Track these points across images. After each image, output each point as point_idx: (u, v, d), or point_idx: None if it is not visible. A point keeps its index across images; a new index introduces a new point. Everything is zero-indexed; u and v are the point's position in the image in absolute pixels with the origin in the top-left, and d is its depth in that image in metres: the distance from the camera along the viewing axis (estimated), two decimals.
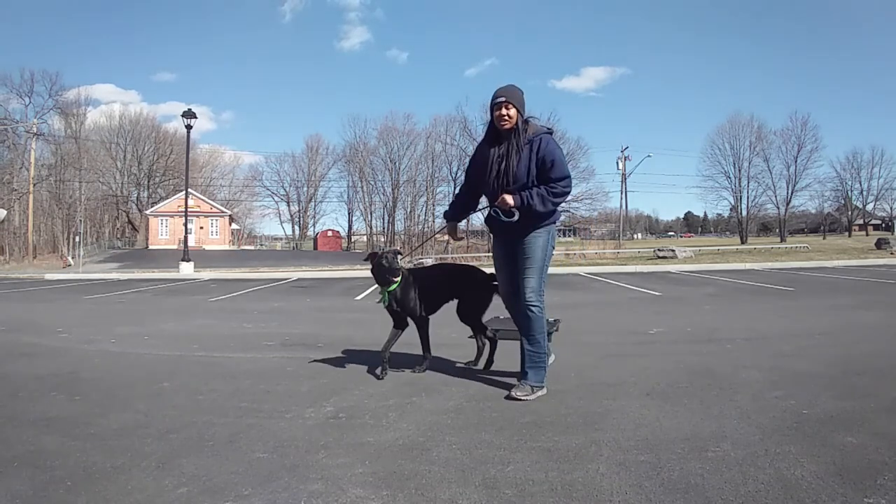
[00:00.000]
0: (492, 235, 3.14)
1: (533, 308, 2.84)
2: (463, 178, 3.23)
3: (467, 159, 3.39)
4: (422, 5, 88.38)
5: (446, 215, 3.27)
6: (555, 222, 2.94)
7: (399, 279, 3.24)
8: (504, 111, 2.80)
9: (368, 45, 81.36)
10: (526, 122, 2.86)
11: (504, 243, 2.99)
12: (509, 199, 2.77)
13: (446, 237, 3.43)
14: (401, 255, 3.41)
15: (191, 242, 23.01)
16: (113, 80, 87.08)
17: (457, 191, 3.23)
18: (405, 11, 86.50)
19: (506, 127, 2.81)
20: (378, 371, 3.29)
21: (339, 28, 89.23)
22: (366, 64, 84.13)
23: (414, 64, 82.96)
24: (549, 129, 2.89)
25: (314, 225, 55.25)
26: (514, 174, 2.79)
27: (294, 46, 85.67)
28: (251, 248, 48.01)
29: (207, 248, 38.51)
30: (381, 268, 3.21)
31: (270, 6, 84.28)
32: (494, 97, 2.83)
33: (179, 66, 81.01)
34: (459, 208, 3.21)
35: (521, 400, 2.72)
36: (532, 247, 2.85)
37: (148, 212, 43.24)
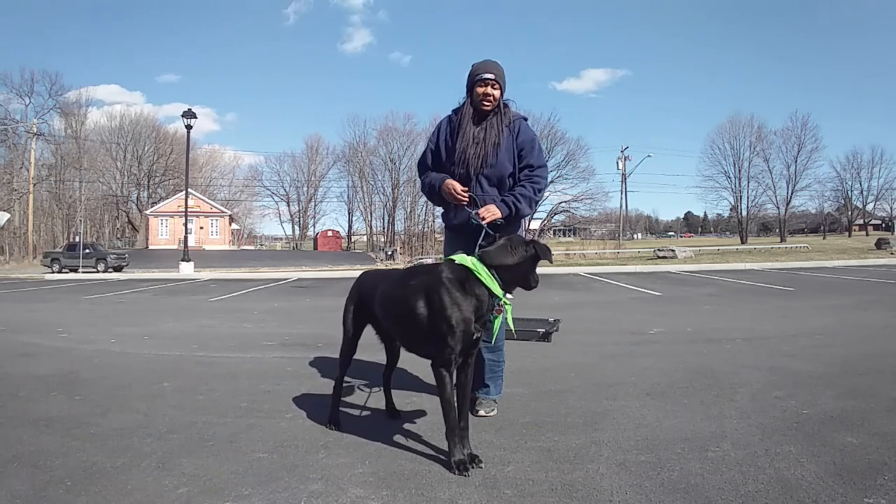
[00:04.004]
0: (446, 230, 2.71)
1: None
2: (429, 160, 2.64)
3: None
4: (424, 8, 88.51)
5: (439, 180, 2.53)
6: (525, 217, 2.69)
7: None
8: (490, 90, 2.50)
9: (371, 48, 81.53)
10: (506, 104, 2.59)
11: (468, 241, 2.37)
12: (495, 210, 2.39)
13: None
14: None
15: (191, 242, 23.01)
16: (118, 81, 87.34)
17: (424, 174, 2.63)
18: (408, 14, 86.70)
19: (487, 108, 2.53)
20: None
21: (343, 30, 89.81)
22: (368, 66, 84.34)
23: (416, 67, 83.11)
24: (524, 115, 2.67)
25: (314, 225, 55.25)
26: (496, 160, 2.50)
27: (297, 49, 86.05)
28: (251, 248, 48.01)
29: (207, 248, 38.51)
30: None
31: (274, 9, 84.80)
32: (479, 72, 2.50)
33: (183, 68, 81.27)
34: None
35: (487, 416, 2.51)
36: None
37: (148, 212, 43.23)
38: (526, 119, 2.65)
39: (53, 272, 20.33)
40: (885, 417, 2.36)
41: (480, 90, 2.51)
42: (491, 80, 2.49)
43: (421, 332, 2.03)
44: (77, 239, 22.66)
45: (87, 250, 21.30)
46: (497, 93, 2.52)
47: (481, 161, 2.49)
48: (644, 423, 2.38)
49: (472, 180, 2.51)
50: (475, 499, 1.72)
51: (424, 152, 2.67)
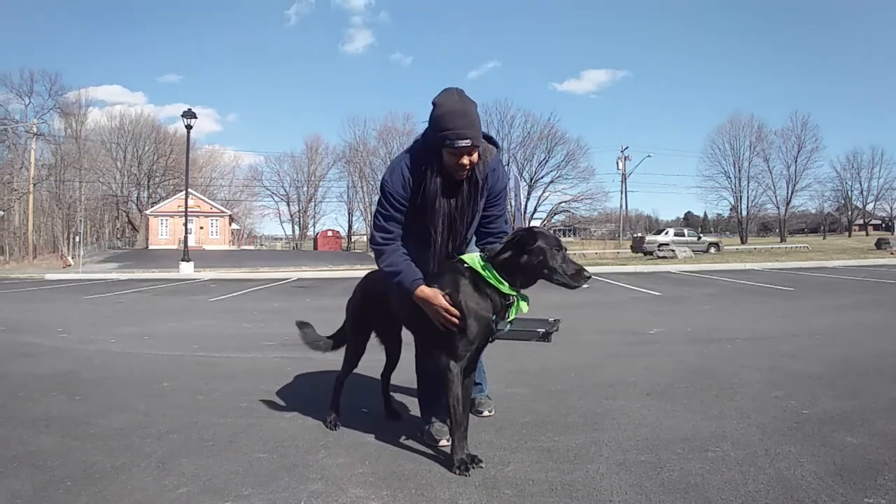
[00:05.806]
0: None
1: None
2: (385, 221, 2.10)
3: None
4: (425, 9, 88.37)
5: (410, 280, 2.04)
6: None
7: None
8: (466, 161, 1.98)
9: (372, 49, 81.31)
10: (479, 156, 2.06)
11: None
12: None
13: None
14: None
15: (191, 242, 22.98)
16: (120, 81, 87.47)
17: (386, 243, 2.10)
18: (409, 15, 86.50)
19: (464, 177, 2.06)
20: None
21: (344, 31, 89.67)
22: (370, 67, 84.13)
23: (417, 68, 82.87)
24: (496, 143, 2.20)
25: (314, 225, 55.31)
26: (468, 231, 2.20)
27: (299, 50, 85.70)
28: (251, 248, 48.00)
29: (207, 248, 38.50)
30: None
31: (276, 10, 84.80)
32: (451, 137, 1.92)
33: (185, 69, 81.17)
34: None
35: (489, 415, 2.52)
36: None
37: (148, 212, 43.25)
38: (498, 147, 2.22)
39: None
40: (885, 417, 2.36)
41: (454, 160, 1.97)
42: (467, 146, 1.94)
43: (439, 328, 2.02)
44: (77, 239, 22.38)
45: None
46: (475, 156, 2.00)
47: (464, 231, 2.18)
48: (644, 423, 2.38)
49: (448, 246, 2.17)
50: (475, 499, 1.72)
51: (386, 206, 2.08)
